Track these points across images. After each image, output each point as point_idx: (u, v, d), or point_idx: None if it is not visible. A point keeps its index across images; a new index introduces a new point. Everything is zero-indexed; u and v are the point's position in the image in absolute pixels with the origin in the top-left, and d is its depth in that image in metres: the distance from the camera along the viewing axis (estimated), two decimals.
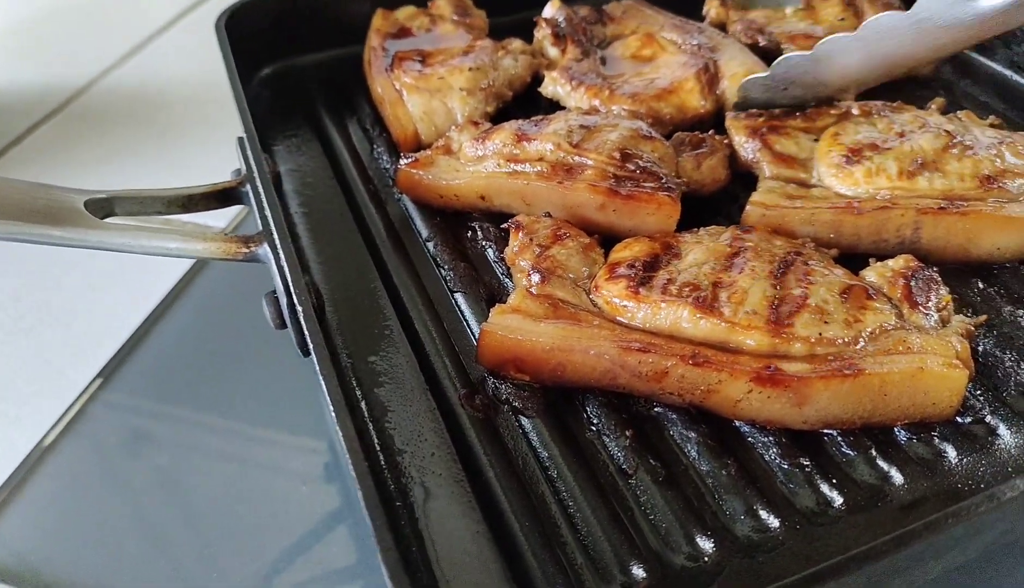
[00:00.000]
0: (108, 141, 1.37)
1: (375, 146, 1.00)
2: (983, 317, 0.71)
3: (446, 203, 0.85)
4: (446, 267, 0.81)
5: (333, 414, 0.56)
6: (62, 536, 0.75)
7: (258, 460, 0.81)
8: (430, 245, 0.84)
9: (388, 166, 0.96)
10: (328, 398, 0.57)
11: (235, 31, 1.04)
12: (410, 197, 0.88)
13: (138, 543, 0.74)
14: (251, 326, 0.87)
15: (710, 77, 0.98)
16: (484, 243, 0.84)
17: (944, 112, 0.97)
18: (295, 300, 0.63)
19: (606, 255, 0.76)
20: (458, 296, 0.79)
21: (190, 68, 1.57)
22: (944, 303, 0.70)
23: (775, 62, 0.87)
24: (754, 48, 1.07)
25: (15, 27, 1.75)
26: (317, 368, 0.60)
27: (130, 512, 0.77)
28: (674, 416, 0.66)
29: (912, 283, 0.70)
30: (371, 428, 0.67)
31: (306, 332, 0.61)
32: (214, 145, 1.30)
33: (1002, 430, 0.65)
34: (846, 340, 0.65)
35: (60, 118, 1.44)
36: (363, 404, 0.69)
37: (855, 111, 0.90)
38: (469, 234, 0.85)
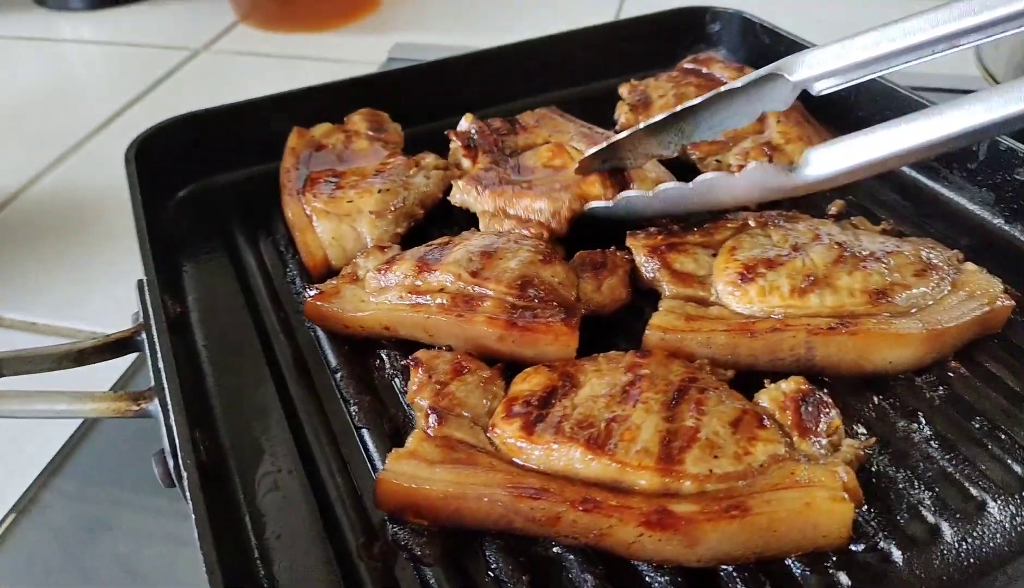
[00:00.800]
0: (35, 254, 1.36)
1: (288, 269, 1.00)
2: (873, 439, 0.73)
3: (353, 333, 0.86)
4: (352, 401, 0.81)
5: None
6: None
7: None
8: (337, 376, 0.84)
9: (300, 291, 0.96)
10: (208, 578, 0.56)
11: (147, 157, 1.04)
12: (319, 327, 0.88)
13: None
14: None
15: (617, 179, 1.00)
16: (391, 372, 0.84)
17: (842, 215, 1.00)
18: (180, 465, 0.63)
19: (507, 386, 0.77)
20: (364, 432, 0.78)
21: (118, 173, 1.57)
22: (834, 428, 0.71)
23: (617, 197, 0.93)
24: (659, 157, 1.10)
25: None
26: (197, 542, 0.59)
27: None
28: (572, 557, 0.66)
29: (802, 408, 0.72)
30: (264, 584, 0.66)
31: (189, 502, 0.60)
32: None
33: (895, 555, 0.66)
34: (735, 474, 0.66)
35: None
36: (256, 557, 0.68)
37: (751, 223, 0.93)
38: (377, 363, 0.86)
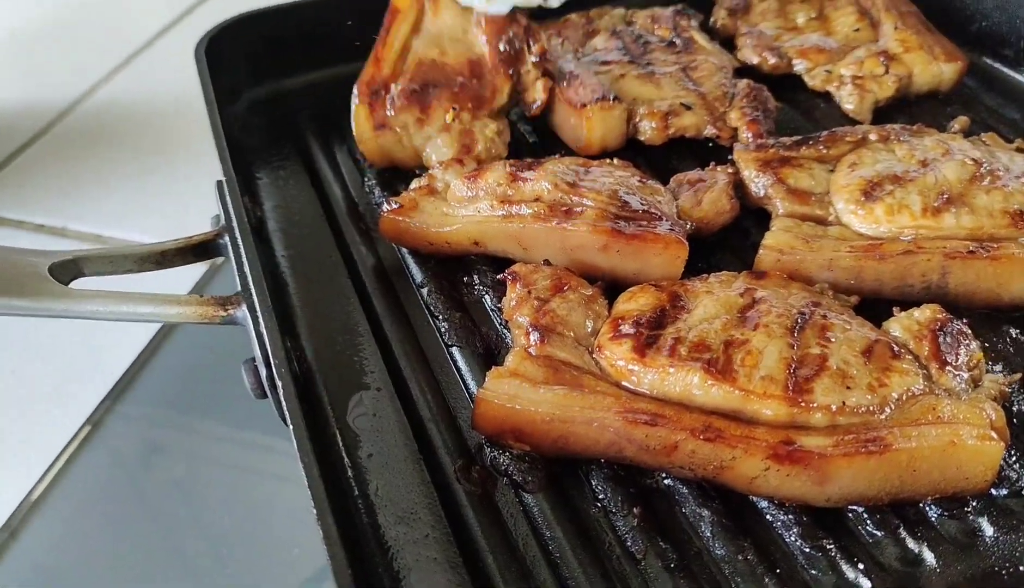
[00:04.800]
0: (96, 162, 1.33)
1: (366, 177, 0.94)
2: (1018, 375, 0.66)
3: (437, 250, 0.80)
4: (441, 318, 0.76)
5: (313, 509, 0.52)
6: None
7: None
8: (424, 292, 0.80)
9: (379, 201, 0.91)
10: (311, 491, 0.52)
11: (217, 55, 0.99)
12: (396, 244, 0.83)
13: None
14: None
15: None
16: (481, 288, 0.79)
17: (967, 133, 0.92)
18: (275, 374, 0.59)
19: (610, 306, 0.71)
20: (454, 350, 0.74)
21: (180, 81, 1.52)
22: (975, 361, 0.65)
23: None
24: (761, 67, 1.02)
25: None
26: (297, 452, 0.55)
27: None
28: (685, 491, 0.62)
29: (940, 339, 0.65)
30: (360, 504, 0.62)
31: (286, 412, 0.56)
32: (206, 160, 1.26)
33: None
34: (870, 408, 0.60)
35: (47, 138, 1.40)
36: (351, 476, 0.64)
37: (872, 137, 0.85)
38: (465, 279, 0.80)
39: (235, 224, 0.69)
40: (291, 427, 0.55)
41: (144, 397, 0.94)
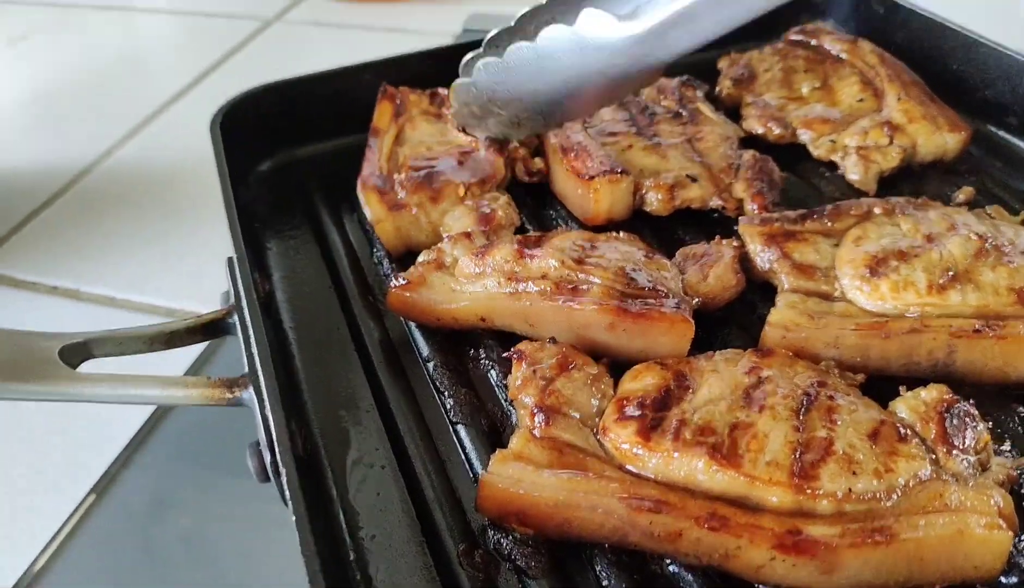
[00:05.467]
0: (112, 225, 1.35)
1: (374, 248, 0.96)
2: None
3: (444, 325, 0.81)
4: (447, 394, 0.77)
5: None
6: None
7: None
8: (430, 366, 0.80)
9: (388, 273, 0.92)
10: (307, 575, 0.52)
11: (232, 128, 1.01)
12: (404, 318, 0.84)
13: None
14: None
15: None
16: (487, 363, 0.79)
17: (973, 203, 0.92)
18: (278, 460, 0.59)
19: (615, 384, 0.71)
20: (459, 428, 0.74)
21: (197, 144, 1.55)
22: (983, 444, 0.64)
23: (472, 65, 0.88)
24: (767, 137, 1.03)
25: (13, 110, 1.74)
26: (298, 539, 0.55)
27: None
28: (691, 578, 0.61)
29: (947, 421, 0.65)
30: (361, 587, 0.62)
31: (288, 500, 0.56)
32: (222, 224, 1.28)
33: None
34: (877, 495, 0.60)
35: (64, 200, 1.42)
36: (352, 558, 0.64)
37: (877, 210, 0.85)
38: (472, 352, 0.81)
39: (244, 304, 0.70)
40: (292, 516, 0.55)
41: (151, 461, 0.94)
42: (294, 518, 0.56)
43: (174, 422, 0.97)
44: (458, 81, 0.91)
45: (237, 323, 0.71)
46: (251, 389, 0.64)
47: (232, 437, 0.78)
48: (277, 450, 0.59)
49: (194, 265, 1.25)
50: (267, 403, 0.62)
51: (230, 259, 0.78)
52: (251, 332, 0.68)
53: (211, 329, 0.73)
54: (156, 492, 0.91)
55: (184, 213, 1.36)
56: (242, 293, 0.71)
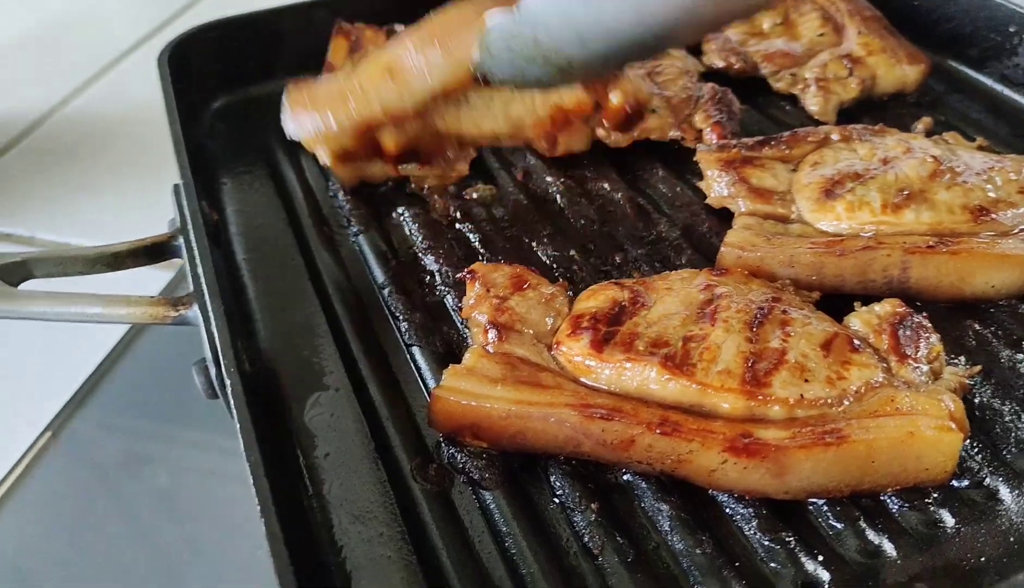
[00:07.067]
0: (69, 173, 1.31)
1: (330, 182, 0.94)
2: (978, 367, 0.66)
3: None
4: (402, 318, 0.75)
5: (257, 507, 0.50)
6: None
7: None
8: (385, 292, 0.79)
9: (343, 204, 0.90)
10: (254, 489, 0.51)
11: (182, 64, 0.98)
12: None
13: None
14: None
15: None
16: (443, 289, 0.78)
17: (931, 133, 0.92)
18: (223, 372, 0.57)
19: (571, 304, 0.71)
20: (414, 350, 0.73)
21: (156, 93, 1.52)
22: (935, 354, 0.64)
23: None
24: (728, 71, 1.02)
25: None
26: (243, 452, 0.54)
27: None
28: (644, 486, 0.61)
29: (900, 332, 0.65)
30: (314, 504, 0.61)
31: (233, 410, 0.55)
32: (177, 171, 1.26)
33: (1003, 493, 0.60)
34: (829, 400, 0.60)
35: (19, 150, 1.38)
36: (306, 476, 0.63)
37: (835, 137, 0.85)
38: (427, 279, 0.80)
39: (189, 225, 0.68)
40: (238, 425, 0.54)
41: (108, 403, 0.92)
42: (239, 427, 0.55)
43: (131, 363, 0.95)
44: (496, 20, 0.65)
45: (183, 245, 0.69)
46: (196, 307, 0.63)
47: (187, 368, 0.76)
48: (222, 362, 0.58)
49: (154, 210, 1.22)
50: (212, 318, 0.61)
51: (176, 185, 0.76)
52: (195, 250, 0.66)
53: (156, 251, 0.71)
54: (111, 430, 0.88)
55: (143, 160, 1.33)
56: (187, 214, 0.70)
